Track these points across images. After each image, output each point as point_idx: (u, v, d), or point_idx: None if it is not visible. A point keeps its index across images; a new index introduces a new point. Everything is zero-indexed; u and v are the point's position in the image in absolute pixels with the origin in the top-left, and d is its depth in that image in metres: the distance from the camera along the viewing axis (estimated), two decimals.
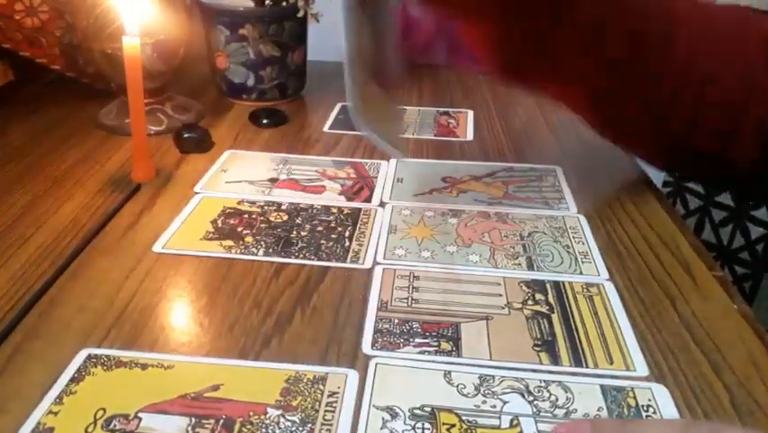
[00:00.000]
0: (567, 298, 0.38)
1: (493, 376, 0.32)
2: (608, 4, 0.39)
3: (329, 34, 0.76)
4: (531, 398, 0.31)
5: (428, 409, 0.30)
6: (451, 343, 0.34)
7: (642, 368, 0.33)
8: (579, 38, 0.39)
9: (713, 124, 0.43)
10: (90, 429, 0.28)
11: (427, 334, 0.35)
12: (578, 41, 0.40)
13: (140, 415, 0.29)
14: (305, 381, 0.31)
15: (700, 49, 0.41)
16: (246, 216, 0.46)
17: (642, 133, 0.44)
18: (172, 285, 0.38)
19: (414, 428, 0.29)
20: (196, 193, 0.49)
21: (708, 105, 0.42)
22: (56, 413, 0.29)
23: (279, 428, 0.29)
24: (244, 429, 0.29)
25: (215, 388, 0.31)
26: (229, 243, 0.43)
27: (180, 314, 0.36)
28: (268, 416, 0.29)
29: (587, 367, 0.33)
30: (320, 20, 0.65)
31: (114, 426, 0.28)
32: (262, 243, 0.43)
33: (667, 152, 0.46)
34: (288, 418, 0.29)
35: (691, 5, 0.42)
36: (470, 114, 0.67)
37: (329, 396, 0.30)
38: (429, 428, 0.29)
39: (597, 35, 0.39)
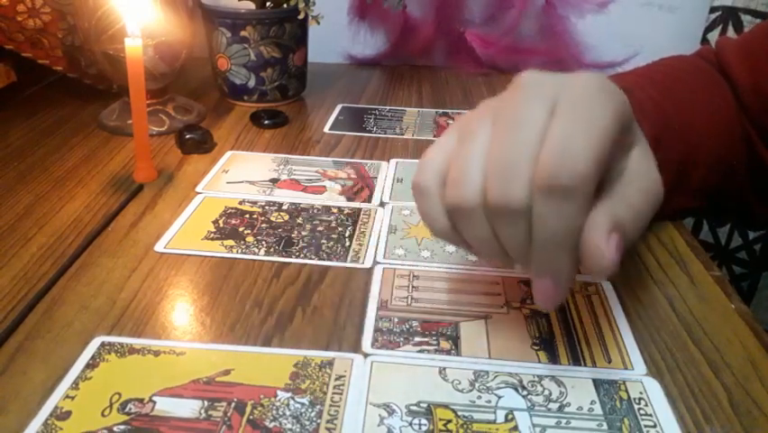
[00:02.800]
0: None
1: (487, 372, 0.32)
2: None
3: (330, 36, 0.77)
4: (525, 392, 0.31)
5: (424, 405, 0.30)
6: (450, 342, 0.34)
7: (640, 367, 0.33)
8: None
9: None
10: (106, 413, 0.29)
11: (427, 333, 0.35)
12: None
13: (154, 399, 0.30)
14: (312, 365, 0.32)
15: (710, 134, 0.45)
16: (247, 216, 0.46)
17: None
18: (174, 285, 0.39)
19: (411, 424, 0.29)
20: (198, 193, 0.49)
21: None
22: (72, 397, 0.30)
23: (289, 410, 0.29)
24: (255, 411, 0.29)
25: (227, 372, 0.32)
26: (230, 242, 0.43)
27: (182, 313, 0.36)
28: (278, 398, 0.30)
29: (585, 366, 0.33)
30: (321, 22, 0.66)
31: (130, 409, 0.29)
32: (263, 242, 0.43)
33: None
34: (298, 400, 0.30)
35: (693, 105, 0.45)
36: None
37: (336, 379, 0.31)
38: (426, 424, 0.29)
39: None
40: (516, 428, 0.29)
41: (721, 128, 0.45)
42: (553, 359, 0.33)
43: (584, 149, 0.26)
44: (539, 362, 0.33)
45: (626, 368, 0.33)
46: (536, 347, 0.34)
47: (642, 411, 0.30)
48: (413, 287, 0.39)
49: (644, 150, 0.32)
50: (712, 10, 0.78)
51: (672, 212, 0.45)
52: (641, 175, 0.31)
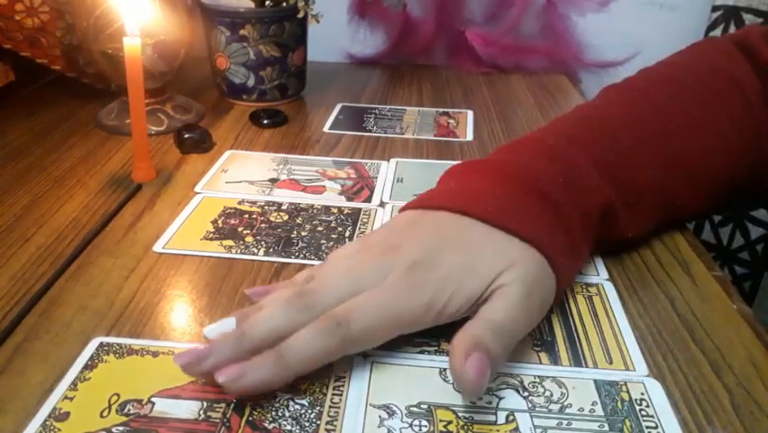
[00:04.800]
0: (566, 297, 0.38)
1: None
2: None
3: (329, 35, 0.77)
4: (526, 393, 0.31)
5: (425, 406, 0.30)
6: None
7: (641, 368, 0.33)
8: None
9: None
10: (105, 414, 0.29)
11: (427, 333, 0.35)
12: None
13: (153, 399, 0.30)
14: None
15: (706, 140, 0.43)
16: (246, 216, 0.46)
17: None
18: (173, 285, 0.39)
19: (411, 425, 0.29)
20: (197, 193, 0.49)
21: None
22: (71, 399, 0.30)
23: (289, 411, 0.29)
24: (255, 413, 0.29)
25: None
26: (229, 243, 0.43)
27: (181, 314, 0.36)
28: (277, 399, 0.30)
29: (586, 367, 0.33)
30: (320, 20, 0.65)
31: (129, 410, 0.29)
32: (263, 243, 0.43)
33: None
34: (297, 401, 0.30)
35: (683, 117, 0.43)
36: (470, 114, 0.68)
37: (336, 380, 0.31)
38: (426, 426, 0.29)
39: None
40: (516, 429, 0.29)
41: (729, 147, 0.42)
42: (554, 360, 0.33)
43: (365, 324, 0.31)
44: (540, 363, 0.33)
45: (627, 369, 0.33)
46: (537, 348, 0.34)
47: (643, 412, 0.30)
48: None
49: (514, 271, 0.33)
50: (714, 9, 0.78)
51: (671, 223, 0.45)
52: (504, 290, 0.32)
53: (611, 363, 0.33)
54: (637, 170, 0.40)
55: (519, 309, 0.32)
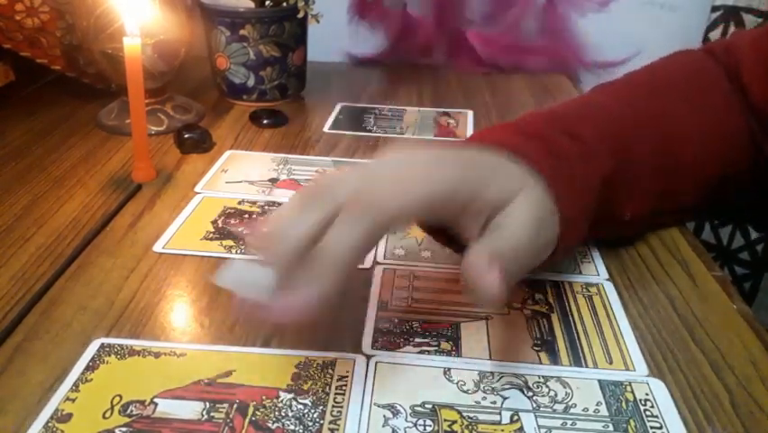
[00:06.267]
0: (566, 297, 0.38)
1: (492, 373, 0.32)
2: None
3: (329, 35, 0.77)
4: (530, 393, 0.31)
5: (429, 406, 0.30)
6: (450, 343, 0.34)
7: (641, 368, 0.33)
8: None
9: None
10: (108, 415, 0.29)
11: (427, 333, 0.35)
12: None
13: (156, 400, 0.30)
14: (314, 366, 0.32)
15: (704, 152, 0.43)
16: (247, 216, 0.46)
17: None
18: (173, 285, 0.38)
19: (416, 425, 0.29)
20: (197, 193, 0.49)
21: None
22: (73, 400, 0.30)
23: (292, 411, 0.29)
24: (258, 413, 0.29)
25: (228, 374, 0.31)
26: (229, 243, 0.43)
27: (181, 314, 0.36)
28: (280, 399, 0.30)
29: (586, 367, 0.33)
30: (320, 20, 0.65)
31: (131, 411, 0.29)
32: None
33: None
34: (300, 401, 0.30)
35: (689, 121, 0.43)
36: (470, 114, 0.68)
37: (338, 380, 0.31)
38: (431, 425, 0.29)
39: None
40: (521, 429, 0.29)
41: (716, 139, 0.43)
42: (554, 360, 0.33)
43: (396, 202, 0.29)
44: (540, 363, 0.33)
45: (627, 369, 0.33)
46: (537, 348, 0.34)
47: (648, 413, 0.30)
48: (413, 287, 0.38)
49: (531, 194, 0.32)
50: (714, 9, 0.78)
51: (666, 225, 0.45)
52: (520, 212, 0.31)
53: (611, 363, 0.33)
54: (634, 145, 0.40)
55: (529, 242, 0.31)
